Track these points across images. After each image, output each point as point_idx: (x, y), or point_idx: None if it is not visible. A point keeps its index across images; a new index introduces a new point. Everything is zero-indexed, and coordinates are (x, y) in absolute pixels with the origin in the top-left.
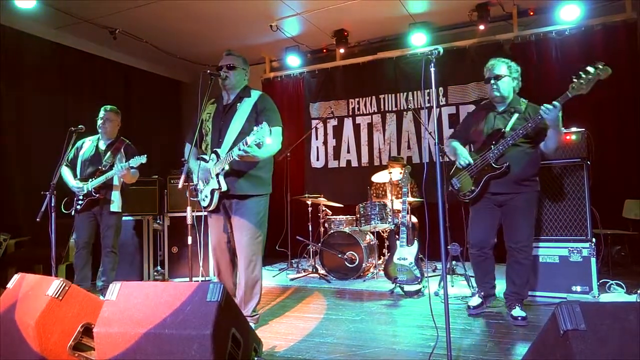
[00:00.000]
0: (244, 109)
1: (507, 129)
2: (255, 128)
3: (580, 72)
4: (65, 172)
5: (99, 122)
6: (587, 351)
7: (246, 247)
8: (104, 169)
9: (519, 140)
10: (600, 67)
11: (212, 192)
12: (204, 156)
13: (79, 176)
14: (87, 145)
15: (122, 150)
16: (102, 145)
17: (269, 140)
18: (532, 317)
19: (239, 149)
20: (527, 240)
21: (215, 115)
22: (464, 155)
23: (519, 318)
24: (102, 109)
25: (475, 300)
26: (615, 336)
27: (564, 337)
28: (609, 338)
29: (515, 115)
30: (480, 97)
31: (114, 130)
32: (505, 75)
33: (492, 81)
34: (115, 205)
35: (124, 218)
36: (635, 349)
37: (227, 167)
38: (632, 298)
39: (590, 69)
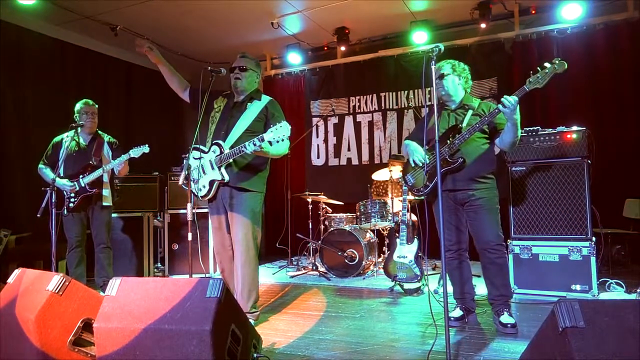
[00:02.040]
0: (254, 109)
1: (464, 124)
2: (272, 126)
3: (538, 67)
4: (49, 172)
5: (83, 116)
6: (586, 348)
7: (242, 242)
8: (94, 163)
9: (475, 136)
10: (557, 62)
11: (212, 182)
12: (202, 147)
13: (62, 173)
14: (67, 142)
15: (105, 145)
16: (83, 141)
17: (284, 139)
18: (531, 316)
19: (254, 144)
20: (497, 238)
21: (225, 109)
22: (418, 152)
23: (508, 325)
24: (83, 103)
25: (457, 312)
26: (613, 333)
27: (563, 334)
28: (608, 335)
29: (470, 112)
30: (480, 95)
31: (95, 125)
32: (449, 74)
33: (437, 80)
34: (107, 200)
35: (116, 214)
36: (634, 346)
37: (231, 160)
38: (632, 297)
39: (547, 64)
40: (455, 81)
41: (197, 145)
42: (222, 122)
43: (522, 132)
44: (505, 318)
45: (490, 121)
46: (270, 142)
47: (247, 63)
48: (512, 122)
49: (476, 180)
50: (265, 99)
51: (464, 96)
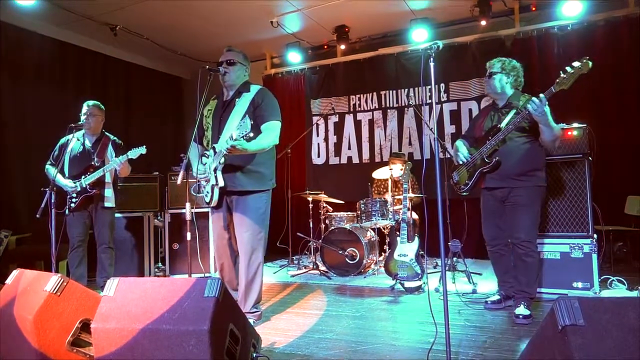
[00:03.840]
0: (242, 104)
1: (503, 125)
2: (239, 122)
3: (567, 67)
4: (53, 171)
5: (82, 117)
6: (585, 346)
7: (246, 243)
8: (96, 164)
9: (514, 135)
10: (584, 61)
11: (212, 187)
12: (206, 152)
13: (67, 174)
14: (73, 143)
15: (109, 146)
16: (89, 142)
17: (252, 134)
18: (532, 313)
19: (226, 143)
20: (526, 235)
21: (215, 111)
22: (462, 152)
23: (520, 316)
24: (85, 104)
25: (494, 297)
26: (613, 331)
27: (562, 332)
28: (608, 333)
29: (513, 111)
30: (481, 93)
31: (97, 126)
32: (497, 73)
33: (486, 79)
34: (109, 201)
35: (120, 215)
36: (634, 344)
37: (222, 161)
38: (634, 294)
39: (575, 63)
40: (504, 80)
41: (205, 152)
42: (215, 125)
43: None
44: (519, 310)
45: (530, 119)
46: (245, 138)
47: (234, 56)
48: (542, 123)
49: (515, 179)
50: (254, 88)
51: (513, 94)
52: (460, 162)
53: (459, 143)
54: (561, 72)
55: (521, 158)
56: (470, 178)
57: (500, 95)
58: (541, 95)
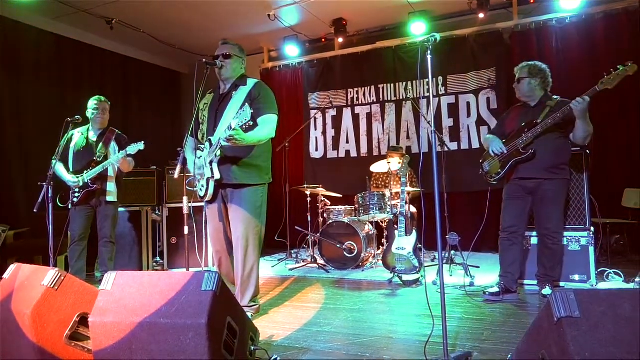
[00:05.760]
0: (239, 97)
1: (540, 120)
2: (238, 110)
3: (611, 69)
4: (58, 166)
5: (94, 112)
6: (581, 338)
7: (242, 237)
8: (98, 159)
9: (550, 130)
10: (629, 64)
11: (208, 180)
12: (201, 146)
13: (71, 169)
14: (77, 137)
15: (114, 139)
16: (93, 136)
17: (251, 122)
18: (528, 305)
19: (225, 132)
20: (555, 227)
21: (212, 105)
22: (495, 143)
23: (547, 296)
24: (96, 99)
25: (494, 289)
26: (609, 323)
27: (558, 324)
28: (603, 325)
29: (547, 109)
30: (479, 86)
31: (106, 120)
32: (525, 77)
33: (515, 84)
34: (112, 195)
35: (123, 209)
36: (629, 336)
37: (219, 154)
38: (630, 287)
39: (620, 66)
40: (532, 83)
41: (200, 145)
42: (211, 118)
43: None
44: (546, 291)
45: (568, 116)
46: (245, 130)
47: (230, 50)
48: (582, 120)
49: (548, 170)
50: (251, 82)
51: (543, 95)
52: (497, 153)
53: (493, 136)
54: (605, 74)
55: (554, 151)
56: (502, 168)
57: (531, 97)
58: (585, 97)
